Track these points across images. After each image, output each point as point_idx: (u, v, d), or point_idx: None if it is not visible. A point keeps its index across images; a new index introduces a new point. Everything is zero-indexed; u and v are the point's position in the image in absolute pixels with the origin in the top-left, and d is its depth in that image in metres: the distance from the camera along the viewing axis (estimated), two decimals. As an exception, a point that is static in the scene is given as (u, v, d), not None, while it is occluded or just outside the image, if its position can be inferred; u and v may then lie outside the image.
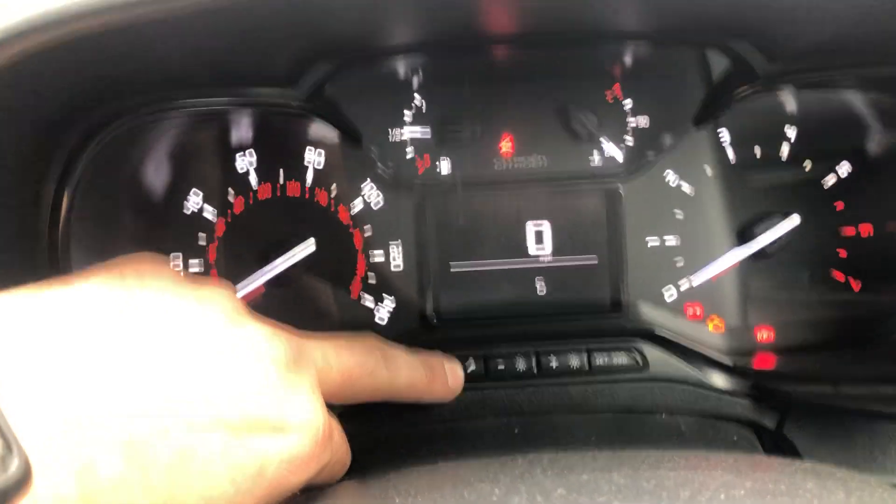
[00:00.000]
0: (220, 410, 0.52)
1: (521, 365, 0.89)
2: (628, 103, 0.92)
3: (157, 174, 0.90)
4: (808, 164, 0.93)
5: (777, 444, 0.88)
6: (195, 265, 0.91)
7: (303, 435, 0.57)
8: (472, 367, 0.88)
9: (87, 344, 0.50)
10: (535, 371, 0.89)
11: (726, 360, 0.91)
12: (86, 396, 0.47)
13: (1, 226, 0.75)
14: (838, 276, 0.94)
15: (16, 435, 0.40)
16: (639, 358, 0.89)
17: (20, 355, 0.47)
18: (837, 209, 0.93)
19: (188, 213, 0.91)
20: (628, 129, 0.92)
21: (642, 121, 0.92)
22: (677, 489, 0.52)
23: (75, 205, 0.80)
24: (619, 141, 0.92)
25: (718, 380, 0.90)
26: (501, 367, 0.89)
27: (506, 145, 0.93)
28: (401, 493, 0.59)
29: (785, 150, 0.93)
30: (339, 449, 0.66)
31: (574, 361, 0.89)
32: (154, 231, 0.90)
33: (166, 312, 0.56)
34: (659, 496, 0.51)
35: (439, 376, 0.83)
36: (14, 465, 0.39)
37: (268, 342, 0.58)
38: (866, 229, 0.93)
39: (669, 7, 0.75)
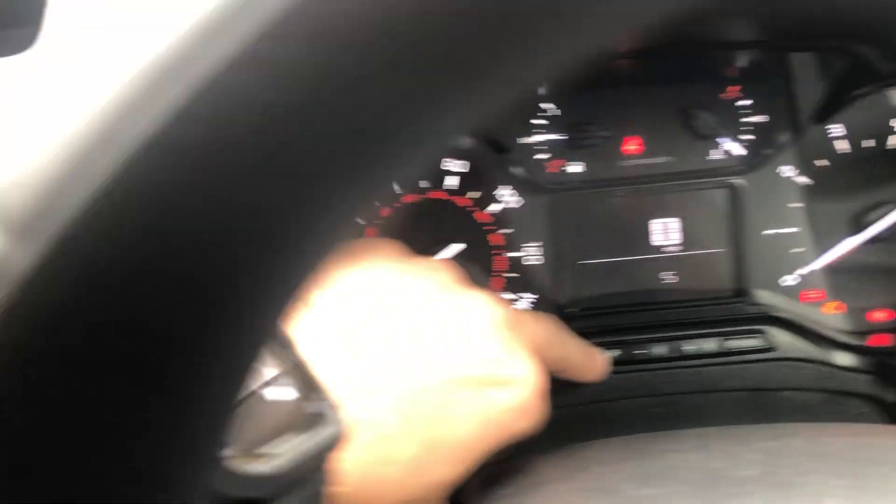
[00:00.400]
0: (461, 370, 0.61)
1: (657, 350, 0.96)
2: (747, 103, 0.99)
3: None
4: (915, 153, 0.99)
5: (898, 416, 0.95)
6: (350, 268, 1.00)
7: (524, 388, 0.65)
8: (615, 353, 0.96)
9: (356, 318, 0.59)
10: (672, 355, 0.96)
11: (846, 340, 0.97)
12: (363, 365, 0.57)
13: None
14: (950, 258, 1.00)
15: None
16: (766, 341, 0.96)
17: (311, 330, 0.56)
18: (946, 195, 0.99)
19: (343, 220, 0.99)
20: (747, 127, 0.99)
21: (760, 120, 0.99)
22: (863, 450, 0.60)
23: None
24: (738, 139, 0.99)
25: (840, 358, 0.97)
26: (639, 352, 0.96)
27: (632, 146, 1.00)
28: (597, 462, 0.67)
29: (892, 140, 0.99)
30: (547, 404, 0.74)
31: (707, 346, 0.96)
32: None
33: (409, 287, 0.65)
34: (846, 457, 0.58)
35: (593, 356, 0.90)
36: (338, 420, 0.47)
37: (489, 307, 0.66)
38: (974, 214, 0.99)
39: (798, 20, 0.82)
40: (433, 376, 0.59)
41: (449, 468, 0.61)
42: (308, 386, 0.47)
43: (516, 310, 0.73)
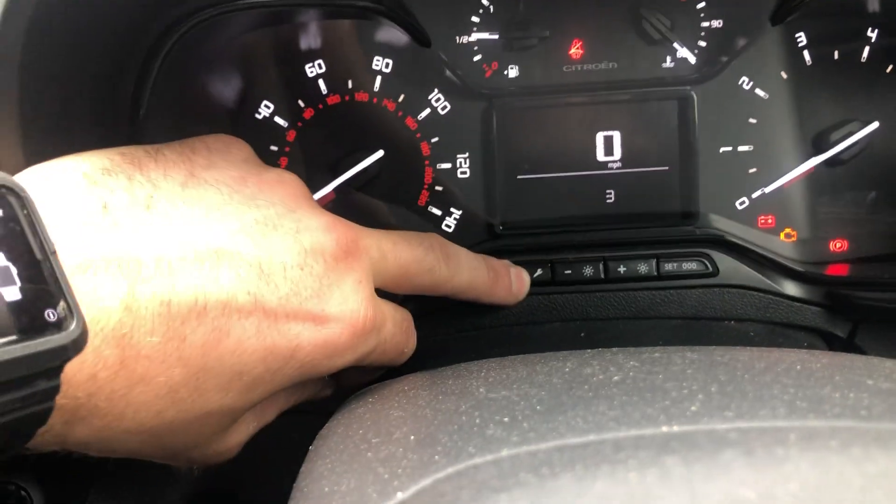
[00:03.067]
0: (259, 296, 0.54)
1: (588, 271, 0.89)
2: (702, 4, 0.89)
3: (227, 81, 0.92)
4: (889, 68, 0.89)
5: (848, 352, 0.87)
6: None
7: (341, 325, 0.59)
8: (538, 273, 0.89)
9: (141, 210, 0.52)
10: (603, 277, 0.89)
11: (798, 268, 0.89)
12: (132, 263, 0.49)
13: (83, 137, 0.77)
14: (918, 184, 0.91)
15: (77, 300, 0.43)
16: (708, 264, 0.88)
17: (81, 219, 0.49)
18: (920, 115, 0.90)
19: (259, 121, 0.92)
20: (702, 31, 0.90)
21: (716, 23, 0.90)
22: (752, 362, 0.52)
23: (152, 106, 0.83)
24: (692, 44, 0.90)
25: (790, 287, 0.89)
26: (568, 272, 0.89)
27: (575, 50, 0.91)
28: (472, 372, 0.61)
29: (865, 52, 0.89)
30: (392, 338, 0.67)
31: (642, 268, 0.88)
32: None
33: (224, 188, 0.57)
34: (733, 367, 0.51)
35: (503, 279, 0.83)
36: (73, 327, 0.42)
37: (320, 232, 0.60)
38: (951, 136, 0.90)
39: None
40: (219, 299, 0.51)
41: (223, 397, 0.54)
42: (42, 285, 0.41)
43: (368, 235, 0.65)
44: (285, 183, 0.62)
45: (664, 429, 0.40)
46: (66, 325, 0.42)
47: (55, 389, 0.42)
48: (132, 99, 0.81)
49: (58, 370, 0.41)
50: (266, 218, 0.57)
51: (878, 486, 0.28)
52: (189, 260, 0.51)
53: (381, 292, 0.68)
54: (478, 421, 0.46)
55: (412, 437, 0.47)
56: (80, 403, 0.46)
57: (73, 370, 0.44)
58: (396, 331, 0.68)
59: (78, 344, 0.42)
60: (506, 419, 0.46)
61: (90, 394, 0.46)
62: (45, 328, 0.40)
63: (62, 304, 0.42)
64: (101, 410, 0.48)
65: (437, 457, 0.43)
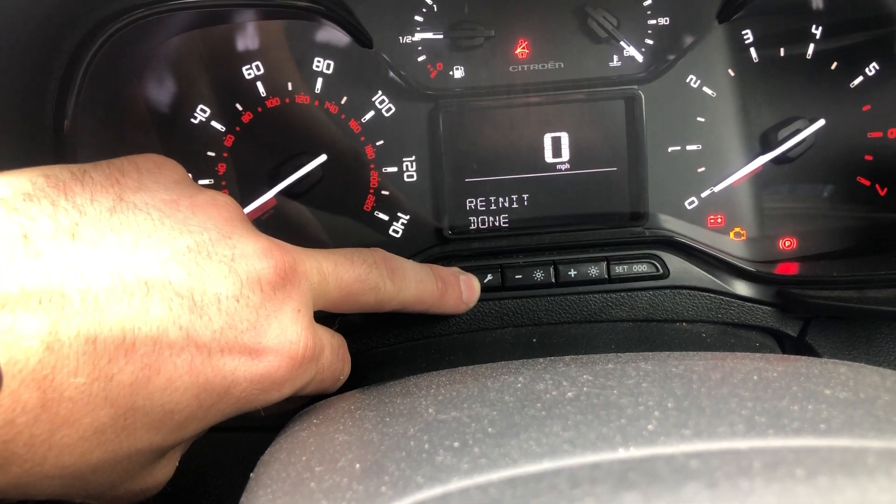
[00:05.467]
0: (191, 331, 0.50)
1: (538, 276, 0.87)
2: (648, 2, 0.88)
3: (159, 86, 0.88)
4: (834, 65, 0.89)
5: (799, 351, 0.87)
6: (205, 180, 0.89)
7: (279, 357, 0.56)
8: (488, 279, 0.87)
9: (66, 238, 0.48)
10: (553, 281, 0.87)
11: (749, 268, 0.88)
12: (55, 298, 0.45)
13: (3, 137, 0.72)
14: (864, 181, 0.91)
15: None
16: (659, 266, 0.87)
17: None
18: (864, 112, 0.90)
19: (195, 126, 0.88)
20: (648, 29, 0.89)
21: (663, 21, 0.89)
22: (708, 373, 0.51)
23: (78, 115, 0.78)
24: (639, 43, 0.89)
25: (740, 287, 0.88)
26: (519, 277, 0.87)
27: (521, 50, 0.89)
28: (422, 388, 0.58)
29: (811, 50, 0.89)
30: (330, 366, 0.64)
31: (593, 271, 0.87)
32: (161, 146, 0.88)
33: (154, 213, 0.54)
34: (689, 379, 0.50)
35: (452, 289, 0.81)
36: None
37: (257, 258, 0.57)
38: (895, 133, 0.90)
39: None
40: (148, 335, 0.48)
41: (153, 436, 0.51)
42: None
43: (307, 258, 0.62)
44: (219, 206, 0.59)
45: (621, 452, 0.38)
46: None
47: None
48: (56, 109, 0.77)
49: None
50: (199, 244, 0.54)
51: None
52: (117, 292, 0.47)
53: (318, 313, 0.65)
54: (426, 446, 0.44)
55: (357, 466, 0.44)
56: None
57: None
58: (334, 358, 0.65)
59: None
60: (456, 444, 0.43)
61: (7, 441, 0.43)
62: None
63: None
64: (19, 457, 0.44)
65: (383, 488, 0.40)
